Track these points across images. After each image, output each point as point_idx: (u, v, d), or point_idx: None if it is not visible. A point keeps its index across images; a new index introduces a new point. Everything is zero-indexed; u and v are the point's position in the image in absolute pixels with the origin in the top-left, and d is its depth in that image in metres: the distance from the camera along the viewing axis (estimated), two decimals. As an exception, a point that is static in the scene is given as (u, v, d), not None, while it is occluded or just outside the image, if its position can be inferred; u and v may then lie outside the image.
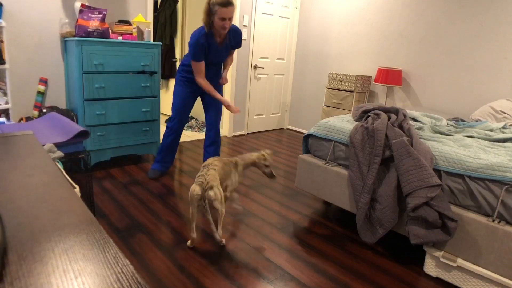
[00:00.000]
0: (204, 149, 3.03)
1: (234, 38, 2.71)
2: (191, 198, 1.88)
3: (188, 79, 2.79)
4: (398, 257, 2.08)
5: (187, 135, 4.50)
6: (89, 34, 2.80)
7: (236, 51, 4.40)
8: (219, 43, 2.64)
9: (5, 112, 2.78)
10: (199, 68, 2.61)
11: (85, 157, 2.07)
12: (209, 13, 2.45)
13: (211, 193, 1.84)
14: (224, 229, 2.23)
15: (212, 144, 2.97)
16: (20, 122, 2.51)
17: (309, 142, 2.52)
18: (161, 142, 2.97)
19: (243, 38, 4.42)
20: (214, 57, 2.69)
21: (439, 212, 1.76)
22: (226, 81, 2.89)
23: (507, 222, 1.67)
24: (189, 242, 2.00)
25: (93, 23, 2.82)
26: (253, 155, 2.24)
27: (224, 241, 2.05)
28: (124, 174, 3.00)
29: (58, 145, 1.93)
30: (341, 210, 2.67)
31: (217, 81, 2.87)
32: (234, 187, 2.17)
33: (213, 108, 2.89)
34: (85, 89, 2.80)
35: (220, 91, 2.91)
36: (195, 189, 1.86)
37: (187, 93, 2.82)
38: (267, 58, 4.84)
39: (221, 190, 1.92)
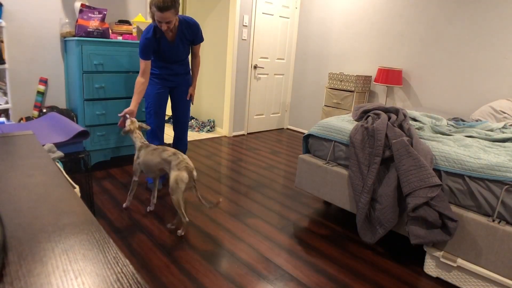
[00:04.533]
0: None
1: (188, 30, 2.52)
2: (180, 185, 2.02)
3: (156, 75, 2.61)
4: (398, 257, 2.08)
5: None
6: (89, 34, 2.80)
7: (234, 51, 4.40)
8: (170, 37, 2.49)
9: (5, 112, 2.78)
10: (144, 67, 2.44)
11: (85, 157, 2.07)
12: (150, 11, 2.31)
13: (195, 172, 2.09)
14: (224, 229, 2.23)
15: (178, 146, 2.88)
16: (20, 122, 2.51)
17: (309, 142, 2.52)
18: None
19: (242, 38, 4.42)
20: (169, 53, 2.52)
21: (439, 212, 1.76)
22: (192, 96, 2.76)
23: (507, 222, 1.67)
24: (179, 231, 2.13)
25: (93, 23, 2.82)
26: (137, 134, 2.35)
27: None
28: (124, 174, 3.00)
29: (58, 145, 1.93)
30: (341, 210, 2.67)
31: (185, 77, 2.71)
32: None
33: (182, 106, 2.77)
34: (85, 89, 2.80)
35: (189, 85, 2.76)
36: (183, 174, 2.03)
37: (159, 91, 2.62)
38: (267, 58, 4.84)
39: None
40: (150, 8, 2.28)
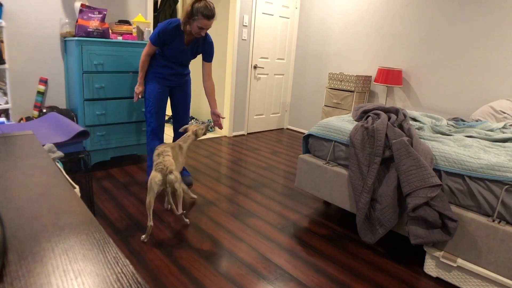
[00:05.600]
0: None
1: (203, 44, 2.62)
2: (151, 185, 1.99)
3: (160, 74, 2.64)
4: (398, 257, 2.08)
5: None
6: (89, 34, 2.80)
7: (234, 51, 4.40)
8: (186, 42, 2.56)
9: (5, 112, 2.78)
10: (150, 49, 2.55)
11: (85, 157, 2.07)
12: (190, 15, 2.38)
13: (171, 176, 2.01)
14: (224, 229, 2.23)
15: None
16: (20, 122, 2.51)
17: (309, 142, 2.52)
18: (147, 152, 2.76)
19: (243, 38, 4.42)
20: (177, 53, 2.57)
21: (439, 212, 1.76)
22: (221, 117, 2.74)
23: (507, 222, 1.67)
24: (143, 236, 2.04)
25: (93, 23, 2.82)
26: (189, 133, 2.44)
27: (188, 221, 2.20)
28: (124, 174, 3.00)
29: (58, 145, 1.93)
30: (341, 210, 2.67)
31: (185, 78, 2.78)
32: (181, 167, 2.35)
33: (181, 106, 2.82)
34: (85, 89, 2.80)
35: (188, 85, 2.82)
36: (157, 175, 1.99)
37: (160, 90, 2.65)
38: (267, 58, 4.84)
39: (178, 173, 2.09)
40: (191, 15, 2.37)
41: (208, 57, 2.70)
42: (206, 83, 2.74)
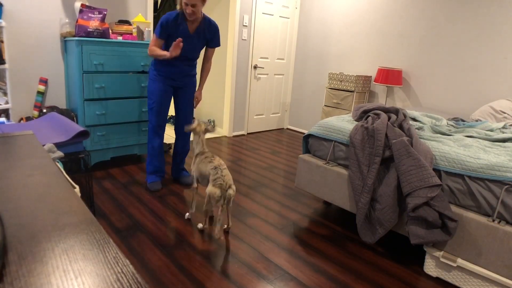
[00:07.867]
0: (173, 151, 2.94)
1: (209, 30, 2.59)
2: (210, 199, 2.03)
3: (163, 72, 2.60)
4: (398, 257, 2.08)
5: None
6: (89, 34, 2.80)
7: (234, 51, 4.40)
8: (191, 29, 2.53)
9: (5, 112, 2.78)
10: (157, 43, 2.49)
11: (85, 157, 2.07)
12: None
13: (231, 191, 2.03)
14: (224, 229, 2.23)
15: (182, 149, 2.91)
16: (20, 122, 2.51)
17: (309, 142, 2.52)
18: (147, 150, 2.74)
19: (242, 38, 4.42)
20: (184, 45, 2.52)
21: (439, 212, 1.76)
22: (198, 101, 2.85)
23: (507, 222, 1.67)
24: (200, 225, 2.22)
25: (93, 23, 2.82)
26: (203, 136, 2.34)
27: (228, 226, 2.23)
28: (124, 174, 3.00)
29: (58, 145, 1.93)
30: (341, 210, 2.67)
31: (192, 79, 2.75)
32: None
33: (185, 109, 2.81)
34: (85, 89, 2.80)
35: (194, 87, 2.80)
36: (216, 191, 2.00)
37: (164, 89, 2.63)
38: (267, 58, 4.84)
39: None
40: None
41: (213, 43, 2.68)
42: (205, 64, 2.79)
